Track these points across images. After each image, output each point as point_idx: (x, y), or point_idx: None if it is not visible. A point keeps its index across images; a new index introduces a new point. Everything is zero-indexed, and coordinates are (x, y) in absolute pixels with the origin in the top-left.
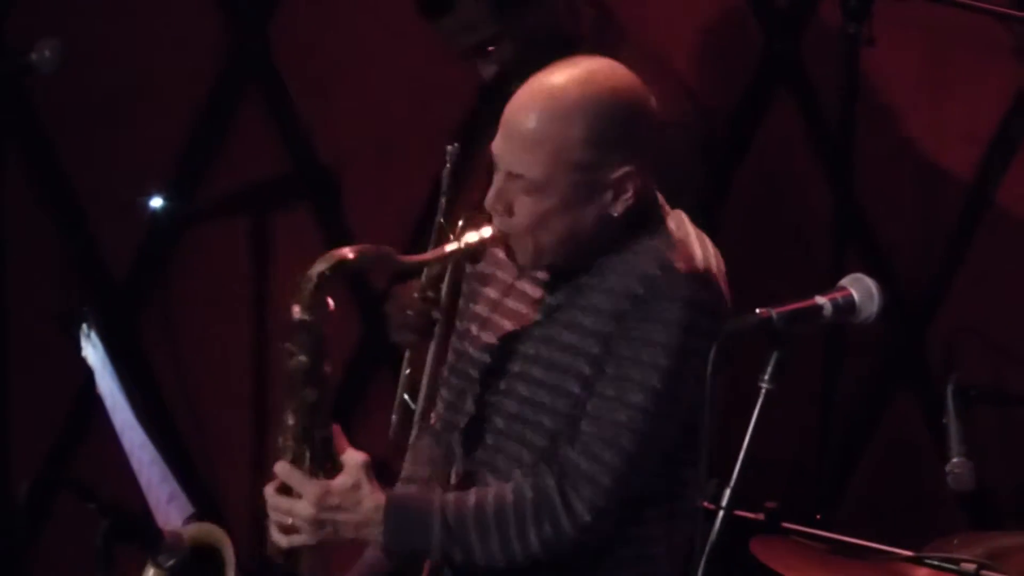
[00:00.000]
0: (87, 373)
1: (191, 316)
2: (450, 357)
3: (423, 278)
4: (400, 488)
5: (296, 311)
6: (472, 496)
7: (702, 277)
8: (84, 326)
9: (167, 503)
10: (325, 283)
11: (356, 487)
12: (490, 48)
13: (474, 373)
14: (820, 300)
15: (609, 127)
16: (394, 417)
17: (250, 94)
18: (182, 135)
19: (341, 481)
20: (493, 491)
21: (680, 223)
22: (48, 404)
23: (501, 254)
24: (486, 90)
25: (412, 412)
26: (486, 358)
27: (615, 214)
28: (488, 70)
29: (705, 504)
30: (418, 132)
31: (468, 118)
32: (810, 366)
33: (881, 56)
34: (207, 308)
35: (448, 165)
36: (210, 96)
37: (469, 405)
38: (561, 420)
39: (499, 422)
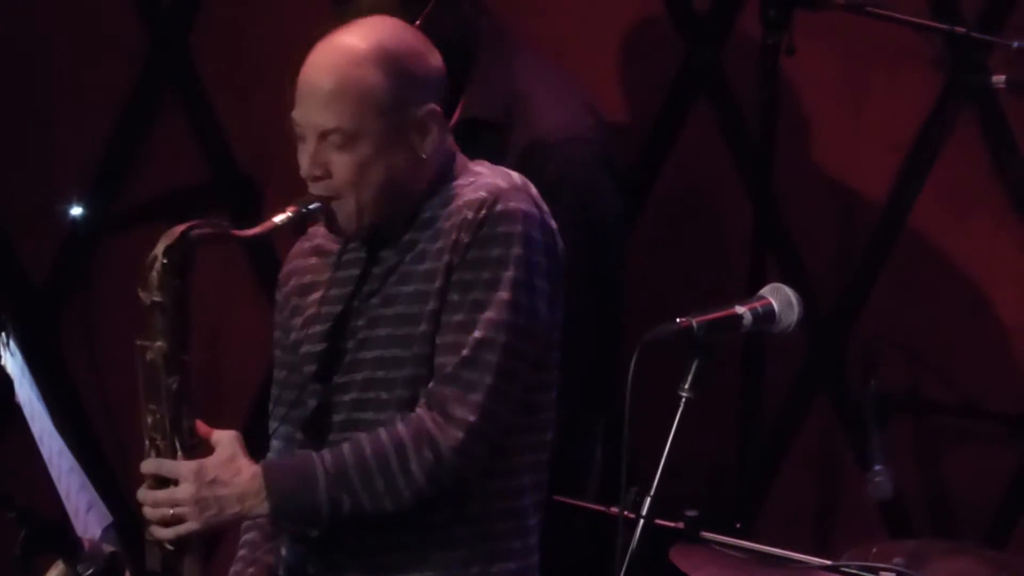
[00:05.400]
0: (5, 381)
1: (110, 324)
2: (279, 376)
3: None
4: None
5: (145, 295)
6: (345, 444)
7: (526, 193)
8: (2, 334)
9: (86, 512)
10: (171, 262)
11: (232, 459)
12: None
13: (312, 368)
14: (740, 309)
15: (403, 69)
16: None
17: (169, 101)
18: (101, 141)
19: (216, 456)
20: (365, 435)
21: (484, 163)
22: None
23: (314, 259)
24: None
25: None
26: (322, 345)
27: (425, 155)
28: None
29: (625, 513)
30: None
31: None
32: (730, 374)
33: (801, 65)
34: (126, 316)
35: None
36: (129, 103)
37: (309, 399)
38: (422, 365)
39: (348, 397)
